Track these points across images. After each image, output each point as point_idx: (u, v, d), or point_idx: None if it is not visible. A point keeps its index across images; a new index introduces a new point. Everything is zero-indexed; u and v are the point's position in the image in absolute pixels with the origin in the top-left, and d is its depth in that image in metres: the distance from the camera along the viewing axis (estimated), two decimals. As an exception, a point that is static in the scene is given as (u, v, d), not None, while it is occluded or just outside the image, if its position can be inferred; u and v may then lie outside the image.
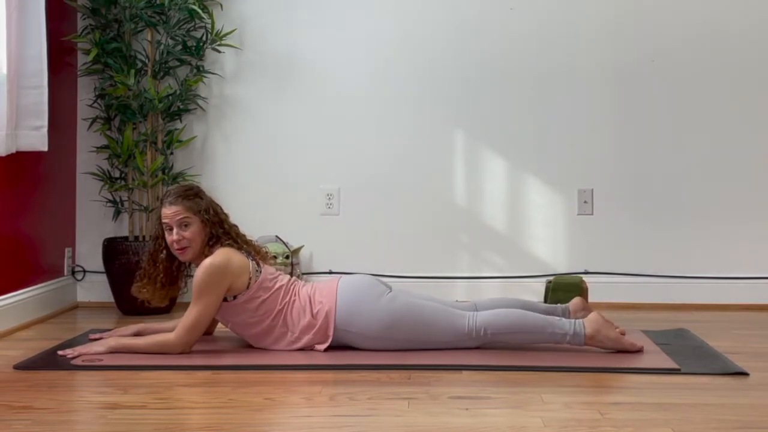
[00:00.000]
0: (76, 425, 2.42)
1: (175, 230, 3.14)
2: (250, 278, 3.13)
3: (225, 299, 3.14)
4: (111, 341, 3.15)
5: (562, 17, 4.29)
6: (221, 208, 3.25)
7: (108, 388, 2.75)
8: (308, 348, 3.17)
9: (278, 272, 3.26)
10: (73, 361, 3.02)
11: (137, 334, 3.31)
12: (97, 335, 3.37)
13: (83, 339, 3.42)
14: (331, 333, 3.14)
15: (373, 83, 4.35)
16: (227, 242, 3.16)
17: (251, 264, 3.16)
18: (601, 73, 4.29)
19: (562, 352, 3.12)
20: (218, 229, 3.17)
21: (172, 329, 3.17)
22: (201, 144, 4.36)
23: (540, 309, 3.32)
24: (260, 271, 3.17)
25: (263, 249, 3.31)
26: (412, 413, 2.45)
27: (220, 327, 3.41)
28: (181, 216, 3.14)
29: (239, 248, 3.17)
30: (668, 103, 4.27)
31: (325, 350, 3.14)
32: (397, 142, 4.35)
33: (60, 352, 3.11)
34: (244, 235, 3.27)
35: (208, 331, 3.39)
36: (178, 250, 3.16)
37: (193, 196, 3.18)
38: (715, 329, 3.62)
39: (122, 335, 3.29)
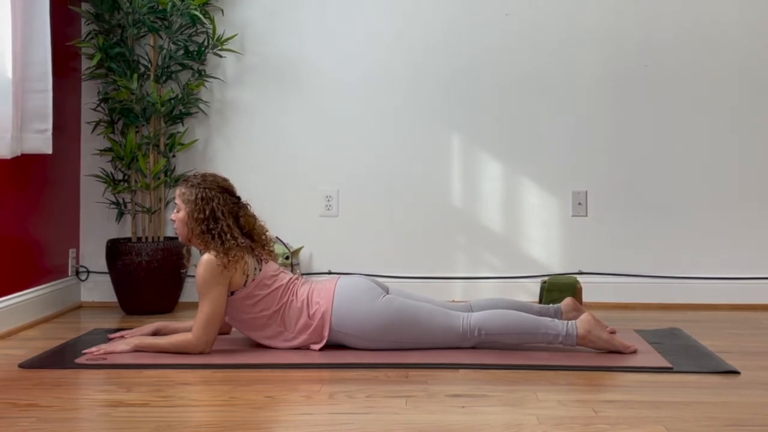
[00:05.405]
0: (80, 423, 2.43)
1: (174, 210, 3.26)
2: (247, 276, 3.16)
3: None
4: (135, 340, 3.17)
5: (557, 21, 4.33)
6: (230, 205, 3.21)
7: (111, 386, 2.77)
8: (304, 347, 3.20)
9: (280, 270, 3.27)
10: (77, 360, 3.05)
11: (156, 333, 3.34)
12: (117, 335, 3.37)
13: (87, 338, 3.45)
14: (326, 334, 3.17)
15: (372, 87, 4.38)
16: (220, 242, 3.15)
17: (251, 261, 3.19)
18: (595, 77, 4.32)
19: (556, 351, 3.15)
20: (210, 225, 3.15)
21: (190, 328, 3.19)
22: (203, 147, 4.41)
23: (534, 310, 3.35)
24: (259, 269, 3.20)
25: (272, 245, 3.33)
26: (409, 411, 2.47)
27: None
28: (176, 200, 3.23)
29: (235, 246, 3.14)
30: (661, 107, 4.31)
31: (323, 349, 3.17)
32: (395, 145, 4.39)
33: (85, 351, 3.13)
34: (259, 231, 3.27)
35: (225, 331, 3.42)
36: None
37: (193, 186, 3.19)
38: (707, 329, 3.65)
39: (142, 334, 3.31)
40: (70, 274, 4.27)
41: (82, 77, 4.31)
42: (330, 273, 4.34)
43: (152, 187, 4.16)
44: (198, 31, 4.28)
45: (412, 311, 3.18)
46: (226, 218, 3.18)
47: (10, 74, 3.44)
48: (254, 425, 2.39)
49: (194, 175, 3.28)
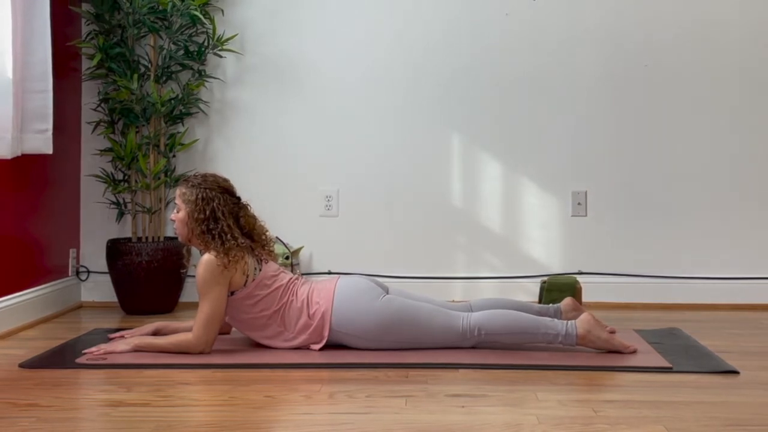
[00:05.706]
0: (80, 422, 2.44)
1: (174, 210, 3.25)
2: (247, 276, 3.16)
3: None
4: (135, 340, 3.18)
5: (557, 21, 4.34)
6: (230, 205, 3.21)
7: (111, 386, 2.78)
8: (304, 347, 3.20)
9: (280, 271, 3.27)
10: (77, 360, 3.05)
11: (156, 332, 3.34)
12: (117, 334, 3.37)
13: (88, 338, 3.45)
14: (326, 333, 3.18)
15: (372, 87, 4.39)
16: (220, 242, 3.15)
17: (251, 261, 3.20)
18: (595, 77, 4.33)
19: (556, 351, 3.16)
20: (210, 225, 3.15)
21: (190, 327, 3.19)
22: (203, 147, 4.41)
23: (534, 310, 3.35)
24: (260, 269, 3.21)
25: (272, 245, 3.33)
26: (409, 411, 2.48)
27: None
28: (176, 200, 3.23)
29: (235, 247, 3.14)
30: (660, 107, 4.32)
31: (323, 349, 3.18)
32: (395, 145, 4.39)
33: (85, 351, 3.13)
34: (259, 231, 3.27)
35: (225, 331, 3.42)
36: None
37: (194, 186, 3.19)
38: (706, 329, 3.65)
39: (142, 334, 3.31)
40: (70, 274, 4.28)
41: (83, 77, 4.32)
42: (330, 273, 4.34)
43: (152, 187, 4.16)
44: (198, 31, 4.28)
45: (412, 311, 3.19)
46: (227, 218, 3.19)
47: (10, 74, 3.44)
48: (254, 425, 2.39)
49: (194, 175, 3.28)
